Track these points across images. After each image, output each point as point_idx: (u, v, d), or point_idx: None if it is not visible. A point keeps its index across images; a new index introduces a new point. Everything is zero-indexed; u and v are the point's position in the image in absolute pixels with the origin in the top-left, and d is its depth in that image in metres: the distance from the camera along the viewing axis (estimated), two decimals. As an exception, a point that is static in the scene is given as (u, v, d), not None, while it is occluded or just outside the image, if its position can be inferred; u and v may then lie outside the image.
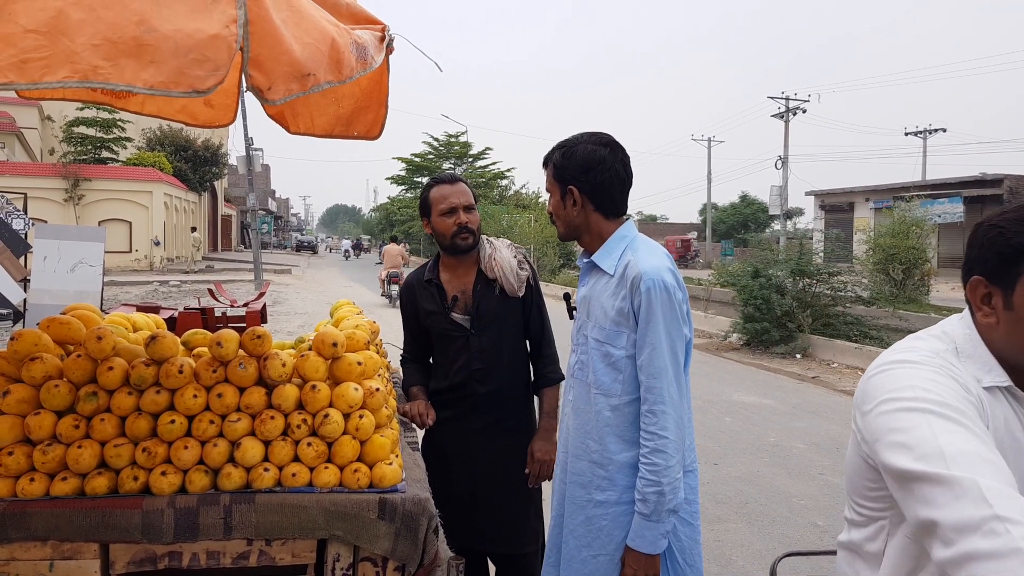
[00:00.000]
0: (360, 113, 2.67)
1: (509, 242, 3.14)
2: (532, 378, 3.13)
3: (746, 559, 4.80)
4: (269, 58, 1.57)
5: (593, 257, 2.34)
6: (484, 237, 3.07)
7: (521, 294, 3.00)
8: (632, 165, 2.40)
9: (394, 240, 33.97)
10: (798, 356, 13.32)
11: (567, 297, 2.54)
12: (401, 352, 3.28)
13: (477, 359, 2.94)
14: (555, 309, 3.37)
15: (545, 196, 2.94)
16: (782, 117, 43.62)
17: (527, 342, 3.11)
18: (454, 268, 3.04)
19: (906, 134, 49.73)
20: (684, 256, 50.00)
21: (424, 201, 3.03)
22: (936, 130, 48.75)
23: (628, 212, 2.43)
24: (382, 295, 22.19)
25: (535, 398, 3.13)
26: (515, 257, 3.05)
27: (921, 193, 30.73)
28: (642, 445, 2.16)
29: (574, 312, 2.48)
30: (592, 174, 2.28)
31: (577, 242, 2.41)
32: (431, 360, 3.20)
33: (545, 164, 2.41)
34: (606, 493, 2.26)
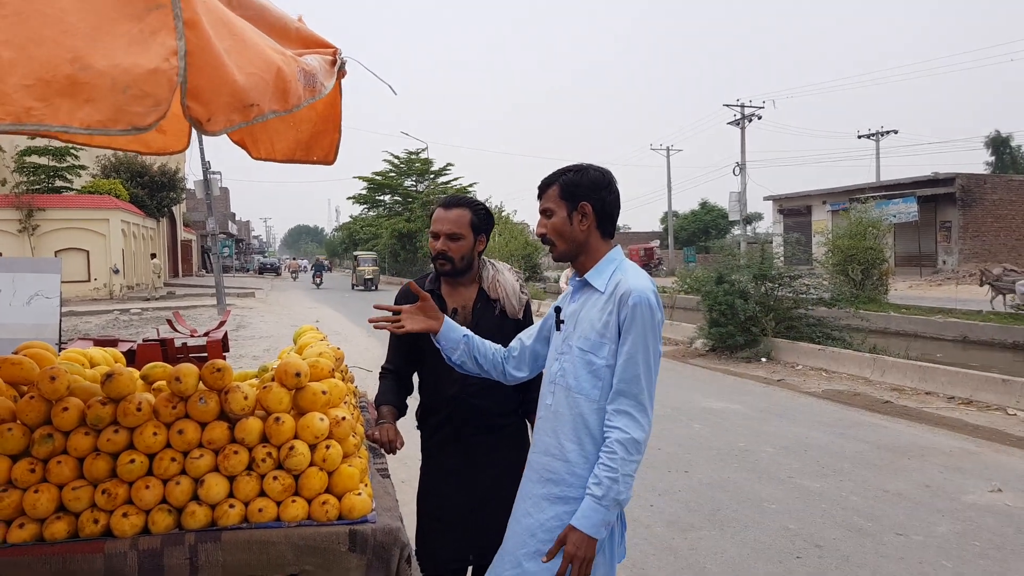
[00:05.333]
0: (318, 137, 2.64)
1: (509, 266, 3.24)
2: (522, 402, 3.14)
3: (720, 567, 4.80)
4: (208, 89, 1.53)
5: (586, 276, 2.50)
6: (486, 259, 3.15)
7: (520, 316, 3.10)
8: None
9: (295, 258, 55.75)
10: (763, 360, 13.45)
11: (558, 310, 2.65)
12: (383, 364, 3.26)
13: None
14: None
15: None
16: (738, 124, 44.17)
17: None
18: (455, 284, 3.10)
19: (859, 137, 50.72)
20: (648, 264, 50.15)
21: (428, 220, 3.13)
22: (888, 132, 49.77)
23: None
24: (294, 279, 46.77)
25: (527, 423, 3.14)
26: (517, 281, 3.15)
27: (876, 194, 31.29)
28: (605, 435, 2.31)
29: (561, 325, 2.60)
30: (603, 194, 2.48)
31: (572, 262, 2.56)
32: (420, 375, 3.19)
33: (548, 185, 2.54)
34: (579, 491, 2.36)
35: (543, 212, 2.55)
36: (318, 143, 2.65)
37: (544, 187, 2.56)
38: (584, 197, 2.47)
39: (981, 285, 22.55)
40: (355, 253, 52.53)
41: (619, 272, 2.45)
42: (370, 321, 2.86)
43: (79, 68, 1.35)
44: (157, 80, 1.41)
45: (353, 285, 45.41)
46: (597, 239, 2.50)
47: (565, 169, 2.54)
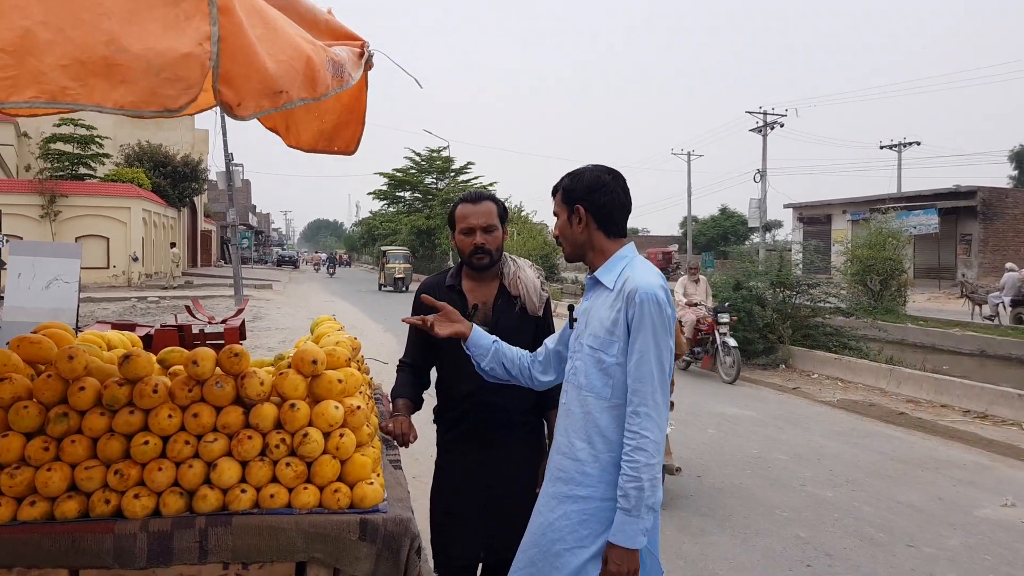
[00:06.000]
0: (341, 129, 2.68)
1: (531, 263, 3.23)
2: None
3: (729, 572, 4.78)
4: (240, 75, 1.55)
5: (596, 273, 2.53)
6: (508, 255, 3.13)
7: (540, 313, 3.10)
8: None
9: (316, 252, 62.34)
10: (779, 367, 13.36)
11: (571, 308, 2.69)
12: (400, 358, 3.26)
13: None
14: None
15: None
16: (760, 131, 43.93)
17: None
18: (476, 280, 3.09)
19: (881, 147, 50.20)
20: (665, 268, 49.97)
21: (450, 217, 3.10)
22: (911, 143, 49.24)
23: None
24: (316, 271, 52.76)
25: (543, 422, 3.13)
26: (538, 278, 3.14)
27: (897, 205, 31.03)
28: (624, 444, 2.30)
29: (574, 323, 2.62)
30: (597, 195, 2.50)
31: (583, 261, 2.59)
32: (437, 371, 3.19)
33: (555, 191, 2.62)
34: (588, 490, 2.37)
35: (555, 215, 2.62)
36: (340, 134, 2.69)
37: (553, 193, 2.63)
38: (578, 200, 2.51)
39: (960, 296, 23.39)
40: (383, 248, 41.26)
41: (628, 269, 2.45)
42: (404, 320, 2.94)
43: (115, 50, 1.38)
44: (190, 64, 1.43)
45: (381, 285, 37.41)
46: (602, 239, 2.53)
47: (568, 174, 2.60)
